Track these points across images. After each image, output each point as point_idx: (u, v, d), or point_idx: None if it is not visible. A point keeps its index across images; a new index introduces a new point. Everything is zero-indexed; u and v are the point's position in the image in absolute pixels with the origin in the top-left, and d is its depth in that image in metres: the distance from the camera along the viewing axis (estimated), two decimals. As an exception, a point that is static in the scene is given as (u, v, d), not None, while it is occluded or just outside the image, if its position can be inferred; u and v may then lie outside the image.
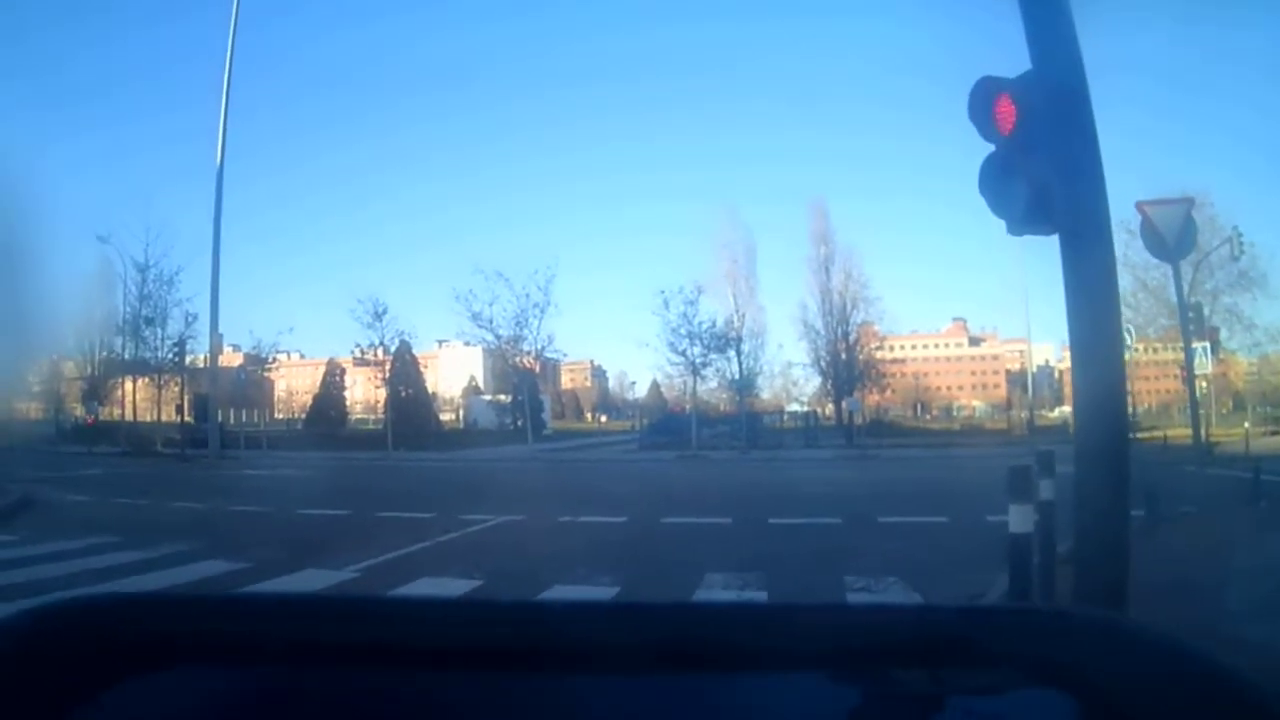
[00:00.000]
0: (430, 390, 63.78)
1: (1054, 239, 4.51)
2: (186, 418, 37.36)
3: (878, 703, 0.99)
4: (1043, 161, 4.34)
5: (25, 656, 0.97)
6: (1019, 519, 5.71)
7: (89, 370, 48.78)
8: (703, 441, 38.69)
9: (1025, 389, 61.55)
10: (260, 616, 1.13)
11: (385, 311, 42.40)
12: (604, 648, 1.02)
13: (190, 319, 39.63)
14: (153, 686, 1.02)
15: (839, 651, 1.01)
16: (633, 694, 1.04)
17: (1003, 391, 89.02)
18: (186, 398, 38.09)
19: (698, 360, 40.18)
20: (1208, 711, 0.83)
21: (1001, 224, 4.68)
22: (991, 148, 4.62)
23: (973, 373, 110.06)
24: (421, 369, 58.63)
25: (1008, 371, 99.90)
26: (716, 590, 8.09)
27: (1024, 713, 1.00)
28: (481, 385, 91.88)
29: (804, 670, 1.02)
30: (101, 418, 45.91)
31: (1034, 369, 56.75)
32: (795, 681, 1.02)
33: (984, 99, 4.50)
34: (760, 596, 7.76)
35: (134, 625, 1.05)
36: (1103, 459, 4.45)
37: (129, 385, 45.13)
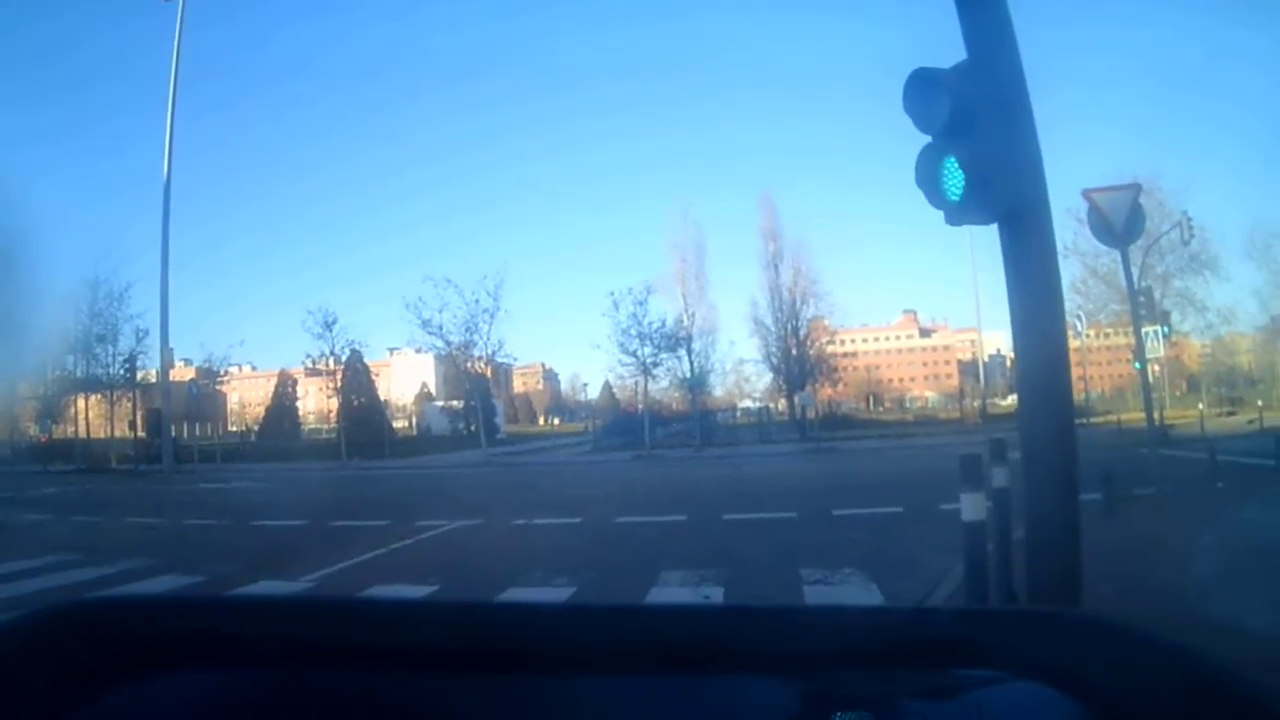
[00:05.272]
0: (383, 398, 63.03)
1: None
2: (140, 433, 36.87)
3: (877, 703, 0.99)
4: (979, 150, 4.32)
5: (27, 657, 1.00)
6: (971, 507, 5.71)
7: (41, 389, 48.16)
8: (657, 441, 38.86)
9: (977, 378, 62.38)
10: (259, 618, 1.17)
11: (335, 321, 42.58)
12: (596, 650, 1.03)
13: (141, 335, 39.88)
14: (152, 687, 1.05)
15: (839, 653, 1.03)
16: (625, 695, 1.05)
17: (955, 381, 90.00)
18: (139, 414, 37.61)
19: (649, 360, 40.22)
20: (1204, 710, 0.85)
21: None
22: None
23: (925, 364, 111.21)
24: (373, 377, 57.84)
25: (959, 361, 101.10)
26: (673, 587, 8.09)
27: (1022, 713, 1.00)
28: (434, 392, 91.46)
29: (803, 672, 1.03)
30: (55, 436, 45.58)
31: (985, 358, 57.52)
32: (794, 683, 1.03)
33: (918, 90, 4.47)
34: (717, 591, 7.79)
35: (133, 627, 1.09)
36: (1050, 445, 4.46)
37: (82, 403, 45.18)
